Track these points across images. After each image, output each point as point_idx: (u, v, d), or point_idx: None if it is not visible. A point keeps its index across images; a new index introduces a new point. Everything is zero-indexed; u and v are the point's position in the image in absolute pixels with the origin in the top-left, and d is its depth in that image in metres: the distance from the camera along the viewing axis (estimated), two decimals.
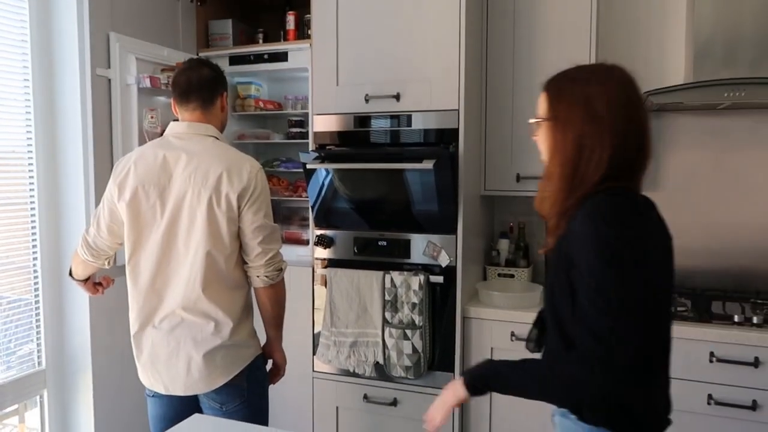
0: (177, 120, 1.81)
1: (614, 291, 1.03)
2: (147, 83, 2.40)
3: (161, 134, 1.89)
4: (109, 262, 1.90)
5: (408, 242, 2.37)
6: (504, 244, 2.78)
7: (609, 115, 1.12)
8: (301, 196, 2.82)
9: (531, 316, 2.23)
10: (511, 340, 2.31)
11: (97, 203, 1.87)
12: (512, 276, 2.68)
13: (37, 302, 2.27)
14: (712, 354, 2.05)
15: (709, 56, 2.27)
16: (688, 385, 2.07)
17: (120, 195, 1.71)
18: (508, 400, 2.22)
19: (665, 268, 1.14)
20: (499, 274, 2.71)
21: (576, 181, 1.14)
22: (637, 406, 1.11)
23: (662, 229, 1.16)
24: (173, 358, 1.70)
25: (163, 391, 1.74)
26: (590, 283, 1.05)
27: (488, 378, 1.22)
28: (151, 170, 1.70)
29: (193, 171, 1.67)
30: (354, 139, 2.43)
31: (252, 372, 1.77)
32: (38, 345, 2.29)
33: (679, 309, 2.23)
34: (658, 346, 1.12)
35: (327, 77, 2.45)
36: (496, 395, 2.23)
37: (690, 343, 2.06)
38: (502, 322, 2.33)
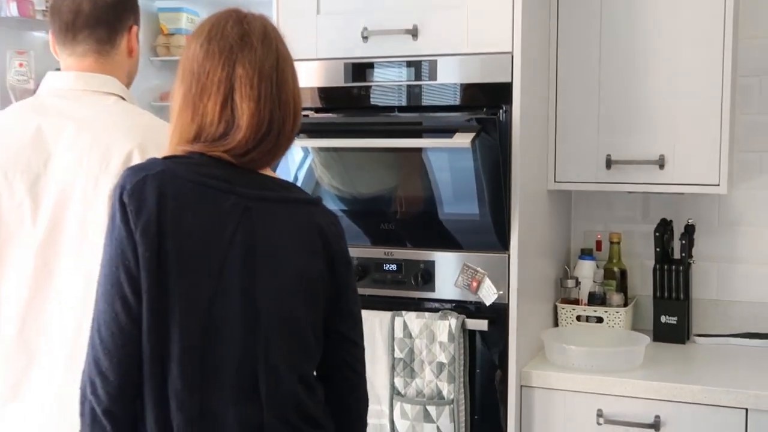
0: (59, 70, 1.81)
1: None
2: (13, 10, 2.40)
3: (35, 92, 1.89)
4: None
5: (431, 265, 2.36)
6: (587, 269, 2.77)
7: None
8: None
9: (631, 386, 2.26)
10: (599, 423, 2.29)
11: None
12: (600, 320, 2.67)
13: None
14: None
15: None
16: None
17: None
18: None
19: None
20: (578, 317, 2.70)
21: None
22: None
23: None
24: None
25: None
26: None
27: None
28: (18, 150, 1.69)
29: (86, 149, 1.67)
30: (346, 100, 2.44)
31: None
32: None
33: None
34: None
35: (302, 1, 2.45)
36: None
37: None
38: (584, 394, 2.32)
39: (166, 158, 1.48)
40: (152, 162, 1.48)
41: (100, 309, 1.42)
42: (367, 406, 1.71)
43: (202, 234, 1.45)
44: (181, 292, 1.42)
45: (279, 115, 1.51)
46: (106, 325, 1.40)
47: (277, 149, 1.55)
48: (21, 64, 2.45)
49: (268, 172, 1.57)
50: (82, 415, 1.43)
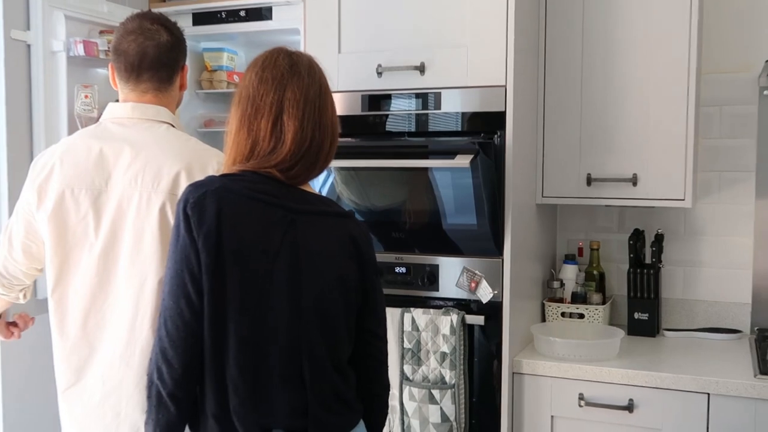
0: (118, 101, 1.81)
1: None
2: (80, 50, 2.42)
3: (98, 120, 1.90)
4: (25, 295, 1.91)
5: (436, 268, 2.36)
6: (570, 272, 2.76)
7: None
8: None
9: (608, 373, 2.25)
10: (580, 406, 2.28)
11: (10, 213, 1.87)
12: (581, 316, 2.66)
13: None
14: None
15: None
16: None
17: (40, 203, 1.71)
18: None
19: None
20: (563, 314, 2.69)
21: None
22: None
23: None
24: (111, 430, 1.69)
25: None
26: None
27: None
28: (83, 169, 1.70)
29: (141, 170, 1.67)
30: (363, 127, 2.43)
31: None
32: None
33: None
34: None
35: (325, 42, 2.45)
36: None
37: None
38: (568, 380, 2.31)
39: (222, 176, 1.51)
40: (211, 179, 1.49)
41: (166, 306, 1.44)
42: (388, 391, 1.72)
43: (254, 242, 1.47)
44: (236, 292, 1.44)
45: (319, 135, 1.53)
46: (172, 319, 1.43)
47: (316, 166, 1.56)
48: (86, 96, 2.46)
49: (307, 187, 1.58)
50: (149, 397, 1.45)
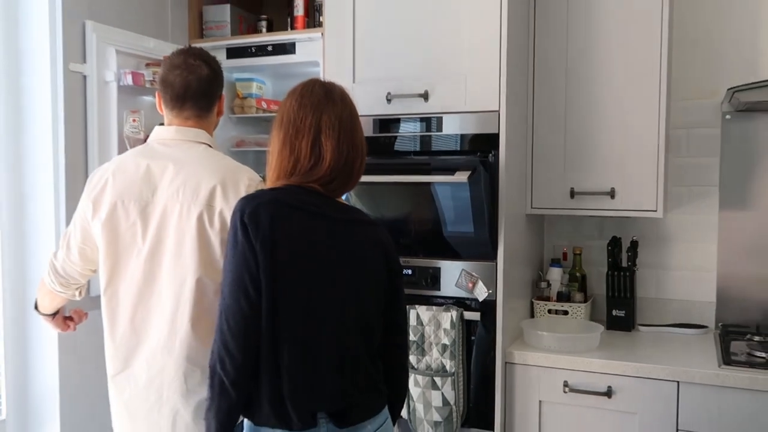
0: (162, 124, 1.83)
1: None
2: (129, 80, 2.44)
3: (145, 141, 1.92)
4: (80, 293, 1.92)
5: (438, 271, 2.36)
6: (555, 274, 2.75)
7: None
8: None
9: (589, 363, 2.25)
10: (564, 392, 2.27)
11: (68, 222, 1.89)
12: (566, 313, 2.66)
13: None
14: None
15: None
16: None
17: (95, 212, 1.73)
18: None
19: None
20: (549, 311, 2.68)
21: None
22: None
23: None
24: (155, 411, 1.70)
25: None
26: None
27: None
28: (132, 183, 1.72)
29: (182, 184, 1.69)
30: (374, 147, 2.42)
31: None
32: None
33: None
34: None
35: (342, 72, 2.47)
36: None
37: None
38: (553, 369, 2.30)
39: (271, 189, 1.53)
40: (262, 192, 1.51)
41: (227, 304, 1.45)
42: (408, 376, 1.75)
43: (302, 246, 1.48)
44: (289, 290, 1.45)
45: (352, 154, 1.55)
46: (233, 316, 1.44)
47: (351, 180, 1.59)
48: (134, 120, 2.48)
49: (339, 199, 1.60)
50: (211, 386, 1.46)
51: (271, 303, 1.44)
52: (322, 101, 1.55)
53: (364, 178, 2.32)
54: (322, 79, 1.61)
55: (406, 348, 1.70)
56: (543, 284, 2.75)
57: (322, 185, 1.53)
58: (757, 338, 2.44)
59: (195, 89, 1.77)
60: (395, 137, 2.41)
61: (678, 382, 2.15)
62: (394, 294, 1.63)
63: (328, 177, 1.53)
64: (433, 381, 2.29)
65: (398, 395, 1.71)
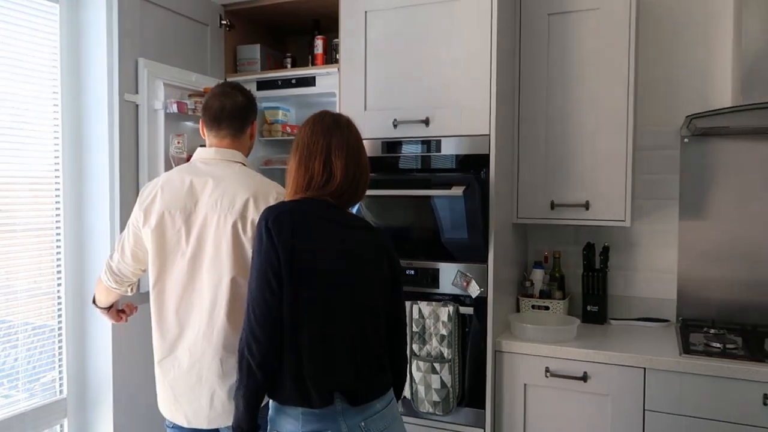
0: (203, 145, 1.85)
1: None
2: (174, 109, 2.46)
3: (187, 160, 1.94)
4: (132, 289, 1.94)
5: (437, 271, 2.36)
6: (538, 275, 2.75)
7: None
8: None
9: (567, 351, 2.24)
10: (546, 376, 2.27)
11: (122, 229, 1.91)
12: (547, 308, 2.65)
13: (60, 329, 2.32)
14: (766, 396, 1.98)
15: (758, 77, 2.24)
16: (738, 429, 2.00)
17: (145, 220, 1.75)
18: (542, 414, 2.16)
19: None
20: (533, 306, 2.68)
21: None
22: None
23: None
24: (195, 391, 1.71)
25: (185, 424, 1.75)
26: None
27: None
28: (178, 195, 1.73)
29: (220, 197, 1.71)
30: (382, 165, 2.45)
31: None
32: (60, 373, 2.32)
33: (728, 347, 2.17)
34: None
35: (355, 102, 2.48)
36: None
37: (740, 384, 2.00)
38: (536, 357, 2.30)
39: (291, 201, 1.55)
40: (283, 203, 1.53)
41: (254, 296, 1.47)
42: (407, 362, 1.75)
43: (317, 246, 1.49)
44: (307, 285, 1.46)
45: (358, 172, 1.57)
46: (258, 306, 1.45)
47: (357, 194, 1.60)
48: (178, 142, 2.49)
49: (349, 211, 1.62)
50: (240, 369, 1.47)
51: (293, 295, 1.45)
52: (331, 127, 1.57)
53: (373, 192, 2.35)
54: (331, 111, 1.64)
55: (405, 336, 1.70)
56: (527, 283, 2.75)
57: (334, 198, 1.55)
58: (712, 331, 2.43)
59: (230, 111, 1.80)
60: (400, 157, 2.42)
61: (644, 368, 2.15)
62: (396, 290, 1.64)
63: (339, 191, 1.55)
64: (433, 366, 2.29)
65: (400, 378, 1.71)
